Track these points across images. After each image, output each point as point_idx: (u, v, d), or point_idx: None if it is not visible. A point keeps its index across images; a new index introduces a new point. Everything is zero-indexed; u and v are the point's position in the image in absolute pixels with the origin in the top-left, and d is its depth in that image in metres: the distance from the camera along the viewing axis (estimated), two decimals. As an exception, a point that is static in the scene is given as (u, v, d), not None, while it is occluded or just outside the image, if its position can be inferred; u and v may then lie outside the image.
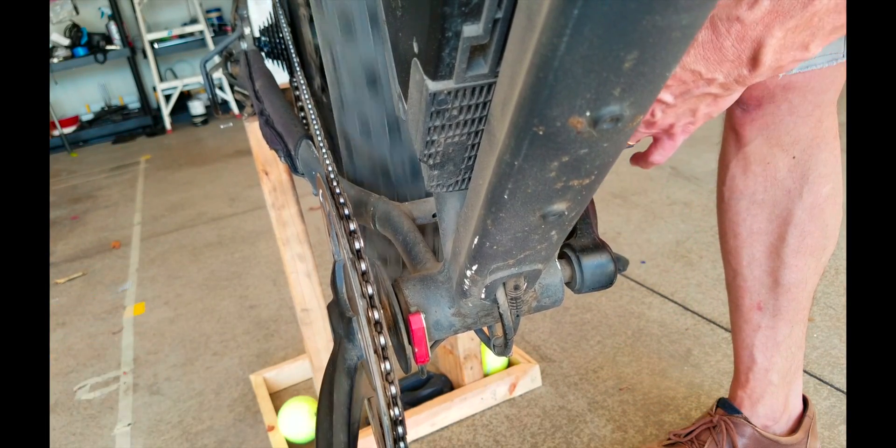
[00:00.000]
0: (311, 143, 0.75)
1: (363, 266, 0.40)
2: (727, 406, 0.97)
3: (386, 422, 0.38)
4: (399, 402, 0.38)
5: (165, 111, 4.75)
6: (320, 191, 0.50)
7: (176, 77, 5.02)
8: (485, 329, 0.52)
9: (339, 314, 0.57)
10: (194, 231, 2.59)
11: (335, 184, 0.48)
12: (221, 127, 4.64)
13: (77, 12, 4.49)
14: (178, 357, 1.65)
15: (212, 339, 1.71)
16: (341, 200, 0.45)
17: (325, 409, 0.53)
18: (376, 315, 0.39)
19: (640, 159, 0.59)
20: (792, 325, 0.89)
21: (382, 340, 0.38)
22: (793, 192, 0.81)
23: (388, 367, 0.38)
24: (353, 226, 0.43)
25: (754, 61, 0.42)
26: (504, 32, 0.27)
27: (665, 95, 0.46)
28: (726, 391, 1.09)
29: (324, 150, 0.58)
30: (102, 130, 4.85)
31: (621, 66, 0.22)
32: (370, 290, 0.39)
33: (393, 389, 0.38)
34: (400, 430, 0.38)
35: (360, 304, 0.40)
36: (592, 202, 0.53)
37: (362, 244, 0.41)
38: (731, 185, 0.85)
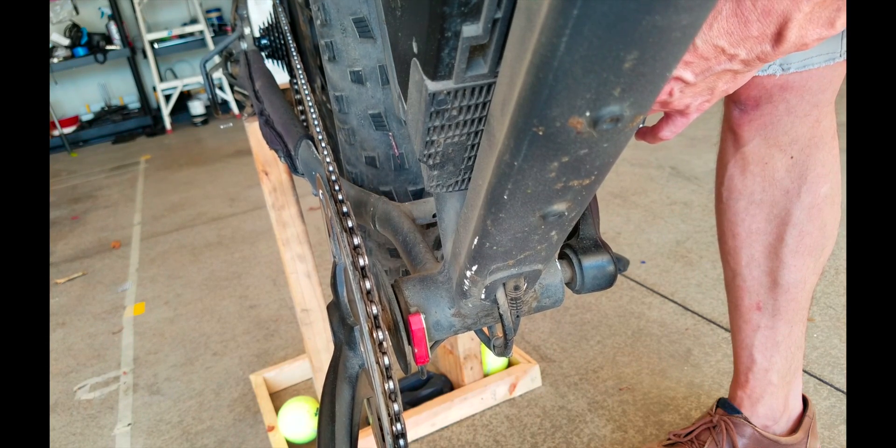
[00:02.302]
0: (310, 143, 0.75)
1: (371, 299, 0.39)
2: (727, 406, 0.97)
3: (390, 441, 0.38)
4: (404, 428, 0.38)
5: (165, 111, 4.75)
6: (320, 191, 0.50)
7: (176, 77, 5.03)
8: (485, 329, 0.52)
9: (340, 319, 0.56)
10: (194, 231, 2.59)
11: (338, 189, 0.47)
12: (221, 127, 4.64)
13: (77, 12, 4.50)
14: (178, 357, 1.65)
15: (212, 339, 1.71)
16: (345, 209, 0.45)
17: (327, 419, 0.53)
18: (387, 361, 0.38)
19: (647, 134, 0.58)
20: (791, 324, 0.89)
21: (391, 385, 0.38)
22: (791, 192, 0.81)
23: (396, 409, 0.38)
24: (357, 240, 0.42)
25: (779, 37, 0.41)
26: (503, 32, 0.27)
27: (685, 73, 0.45)
28: (726, 391, 1.09)
29: (325, 152, 0.58)
30: (102, 130, 4.85)
31: (621, 66, 0.22)
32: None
33: (397, 408, 0.37)
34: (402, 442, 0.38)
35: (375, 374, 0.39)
36: (596, 202, 0.52)
37: (367, 261, 0.41)
38: (729, 186, 0.84)
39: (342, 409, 0.53)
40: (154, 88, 4.88)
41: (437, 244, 0.62)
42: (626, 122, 0.25)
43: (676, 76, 0.45)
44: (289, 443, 1.25)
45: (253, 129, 1.02)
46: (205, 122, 4.87)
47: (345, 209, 0.45)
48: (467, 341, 1.26)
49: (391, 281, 0.47)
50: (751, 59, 0.43)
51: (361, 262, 0.40)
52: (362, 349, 0.54)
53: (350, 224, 0.43)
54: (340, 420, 0.52)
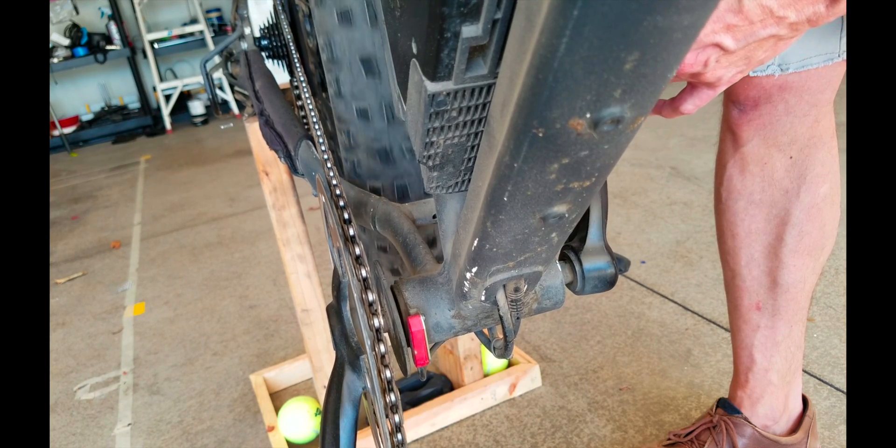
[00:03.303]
0: (310, 143, 0.75)
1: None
2: (727, 406, 0.97)
3: None
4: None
5: (165, 111, 4.75)
6: (320, 195, 0.49)
7: (176, 77, 5.02)
8: (485, 331, 0.52)
9: (342, 334, 0.56)
10: (194, 231, 2.58)
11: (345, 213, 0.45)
12: (221, 127, 4.64)
13: (77, 12, 4.49)
14: (178, 357, 1.65)
15: (212, 339, 1.71)
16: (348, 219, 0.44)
17: (331, 439, 0.52)
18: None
19: (665, 107, 0.54)
20: (791, 324, 0.89)
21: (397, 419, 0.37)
22: (790, 192, 0.80)
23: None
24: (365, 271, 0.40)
25: None
26: (503, 33, 0.27)
27: (726, 39, 0.41)
28: (726, 391, 1.09)
29: (326, 155, 0.58)
30: (102, 130, 4.85)
31: (622, 67, 0.22)
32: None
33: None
34: None
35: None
36: (606, 201, 0.52)
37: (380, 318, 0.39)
38: (728, 186, 0.84)
39: (346, 434, 0.53)
40: (154, 88, 4.87)
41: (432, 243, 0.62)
42: (627, 124, 0.25)
43: (716, 43, 0.42)
44: (289, 443, 1.25)
45: (253, 129, 1.02)
46: (205, 122, 4.87)
47: (357, 250, 0.42)
48: (467, 341, 1.26)
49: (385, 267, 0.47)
50: (800, 22, 0.40)
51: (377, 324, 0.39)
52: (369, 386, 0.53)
53: (363, 273, 0.41)
54: (345, 443, 0.52)
